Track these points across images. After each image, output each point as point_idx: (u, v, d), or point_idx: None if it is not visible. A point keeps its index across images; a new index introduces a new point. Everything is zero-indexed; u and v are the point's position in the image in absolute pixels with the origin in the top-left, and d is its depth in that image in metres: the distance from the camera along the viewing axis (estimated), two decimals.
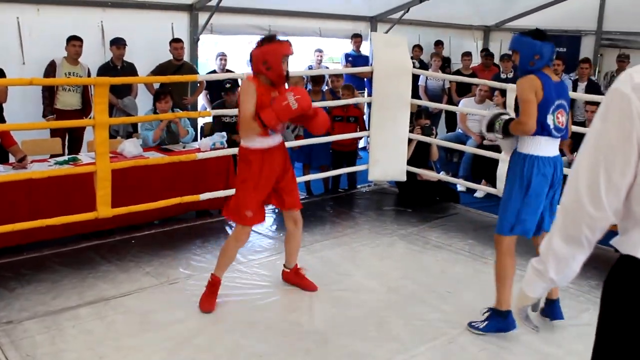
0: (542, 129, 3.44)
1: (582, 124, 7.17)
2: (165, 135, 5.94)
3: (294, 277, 4.29)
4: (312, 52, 9.24)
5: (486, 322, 3.66)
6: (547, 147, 3.50)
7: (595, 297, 4.30)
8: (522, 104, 3.44)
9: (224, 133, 6.01)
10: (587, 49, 10.51)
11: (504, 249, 3.61)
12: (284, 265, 4.33)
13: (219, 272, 3.97)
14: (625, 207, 1.56)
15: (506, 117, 3.64)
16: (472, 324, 3.72)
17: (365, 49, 9.55)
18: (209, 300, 3.92)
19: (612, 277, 1.61)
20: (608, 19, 10.26)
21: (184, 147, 5.94)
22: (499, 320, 3.62)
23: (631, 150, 1.48)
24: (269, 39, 3.72)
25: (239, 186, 3.83)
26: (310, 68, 9.05)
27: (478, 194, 7.06)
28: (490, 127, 3.66)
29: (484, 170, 7.17)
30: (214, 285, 3.96)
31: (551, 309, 3.77)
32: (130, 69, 6.82)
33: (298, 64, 10.31)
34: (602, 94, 8.10)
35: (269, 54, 3.63)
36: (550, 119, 3.43)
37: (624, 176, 1.51)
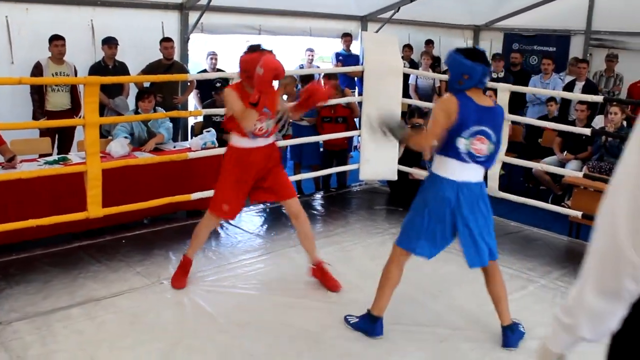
0: (450, 151, 3.27)
1: (572, 122, 7.21)
2: (147, 137, 5.87)
3: (318, 274, 4.29)
4: (303, 52, 9.24)
5: (357, 320, 3.67)
6: (453, 170, 3.31)
7: None
8: (430, 121, 3.31)
9: (214, 132, 6.00)
10: (576, 48, 10.57)
11: (394, 258, 3.57)
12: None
13: (190, 253, 4.25)
14: None
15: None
16: (347, 317, 3.74)
17: (355, 48, 9.56)
18: (179, 278, 4.21)
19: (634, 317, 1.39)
20: (597, 18, 10.31)
21: (174, 147, 5.93)
22: (367, 323, 3.62)
23: None
24: (252, 49, 3.84)
25: (221, 180, 4.06)
26: (301, 67, 9.05)
27: None
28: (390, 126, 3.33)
29: None
30: (185, 265, 4.25)
31: (503, 336, 3.57)
32: (122, 69, 6.80)
33: (289, 64, 10.32)
34: (598, 93, 8.14)
35: (249, 64, 3.75)
36: (462, 143, 3.23)
37: None
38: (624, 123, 6.75)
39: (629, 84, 8.87)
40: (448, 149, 3.28)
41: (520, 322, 3.67)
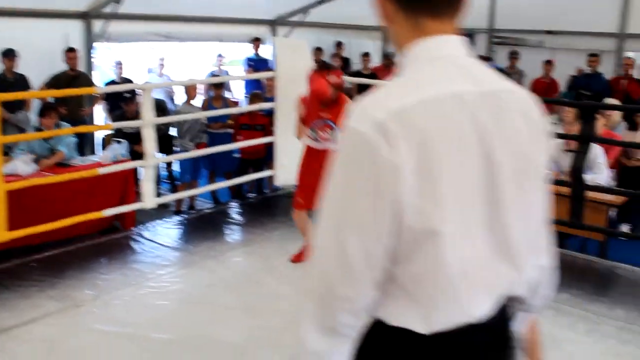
0: None
1: None
2: (49, 155, 5.62)
3: None
4: (214, 57, 9.19)
5: None
6: None
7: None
8: None
9: (126, 143, 5.83)
10: (480, 46, 10.94)
11: None
12: None
13: (308, 240, 4.63)
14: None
15: None
16: None
17: (265, 51, 9.55)
18: (300, 256, 4.76)
19: (370, 347, 1.30)
20: (499, 17, 10.71)
21: (83, 161, 5.72)
22: None
23: (385, 207, 1.13)
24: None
25: (298, 176, 4.63)
26: (212, 73, 8.98)
27: None
28: None
29: None
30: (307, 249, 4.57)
31: None
32: (23, 82, 6.51)
33: (199, 70, 10.22)
34: None
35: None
36: None
37: (380, 241, 1.16)
38: None
39: (531, 79, 9.27)
40: None
41: None
